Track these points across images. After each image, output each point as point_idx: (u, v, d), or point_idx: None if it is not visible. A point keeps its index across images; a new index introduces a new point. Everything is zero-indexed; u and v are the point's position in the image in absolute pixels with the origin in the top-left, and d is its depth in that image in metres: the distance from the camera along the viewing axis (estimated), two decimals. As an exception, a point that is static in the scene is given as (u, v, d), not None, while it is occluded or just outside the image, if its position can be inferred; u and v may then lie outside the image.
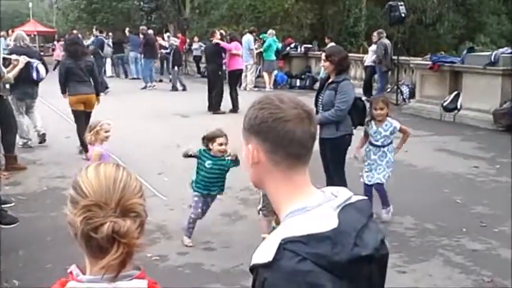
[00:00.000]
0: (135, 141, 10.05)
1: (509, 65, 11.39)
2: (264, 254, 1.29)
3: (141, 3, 32.50)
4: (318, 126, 5.98)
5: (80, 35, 18.30)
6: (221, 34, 16.01)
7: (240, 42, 15.53)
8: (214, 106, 13.83)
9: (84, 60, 9.06)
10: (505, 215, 6.30)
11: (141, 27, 22.72)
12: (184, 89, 18.45)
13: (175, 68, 18.58)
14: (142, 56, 20.19)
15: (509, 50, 12.12)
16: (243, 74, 17.06)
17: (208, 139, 5.46)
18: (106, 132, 5.95)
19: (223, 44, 14.04)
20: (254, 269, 1.32)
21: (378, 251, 1.36)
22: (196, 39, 23.83)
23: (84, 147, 7.98)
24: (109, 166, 1.45)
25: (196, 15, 29.04)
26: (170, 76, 19.52)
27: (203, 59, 20.33)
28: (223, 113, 13.55)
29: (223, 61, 14.39)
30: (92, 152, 5.86)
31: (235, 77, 14.18)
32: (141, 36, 20.77)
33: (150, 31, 22.48)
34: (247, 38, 18.00)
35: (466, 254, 5.32)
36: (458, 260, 5.20)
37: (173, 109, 14.21)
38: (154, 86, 19.28)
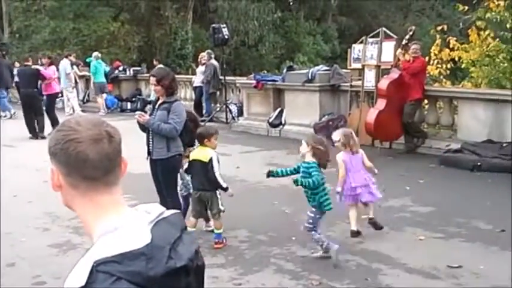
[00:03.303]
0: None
1: (325, 81, 12.28)
2: (76, 279, 1.26)
3: (-49, 27, 29.96)
4: (150, 148, 6.04)
5: None
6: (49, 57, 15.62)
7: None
8: (40, 131, 13.61)
9: None
10: (329, 221, 6.75)
11: None
12: None
13: None
14: None
15: (324, 68, 13.06)
16: (65, 99, 17.24)
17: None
18: None
19: (42, 71, 13.76)
20: None
21: (192, 261, 1.39)
22: (17, 64, 22.52)
23: None
24: None
25: (16, 40, 27.48)
26: None
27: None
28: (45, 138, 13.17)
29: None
30: None
31: (52, 101, 14.19)
32: None
33: None
34: (64, 63, 17.53)
35: (295, 260, 5.63)
36: (289, 267, 5.49)
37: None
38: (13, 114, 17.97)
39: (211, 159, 5.96)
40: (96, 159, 1.37)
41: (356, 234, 6.22)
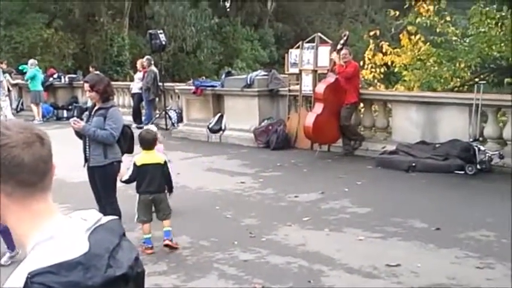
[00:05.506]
0: None
1: (263, 86, 12.36)
2: None
3: None
4: (87, 155, 5.93)
5: None
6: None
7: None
8: None
9: None
10: (271, 225, 6.83)
11: None
12: None
13: None
14: None
15: (262, 73, 13.15)
16: None
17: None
18: None
19: None
20: None
21: (132, 269, 1.36)
22: None
23: None
24: None
25: None
26: None
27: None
28: None
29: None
30: None
31: None
32: None
33: None
34: None
35: (238, 265, 5.63)
36: (232, 271, 5.49)
37: None
38: None
39: (165, 161, 6.19)
40: (31, 163, 1.32)
41: None
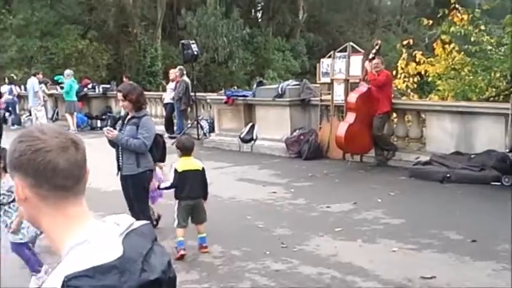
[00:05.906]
0: None
1: (295, 96, 12.35)
2: None
3: None
4: (120, 164, 6.00)
5: None
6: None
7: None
8: None
9: None
10: (302, 235, 6.79)
11: None
12: None
13: None
14: None
15: (294, 82, 13.13)
16: (33, 118, 17.02)
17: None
18: None
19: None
20: None
21: (165, 273, 1.37)
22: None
23: None
24: None
25: (-19, 59, 27.12)
26: None
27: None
28: None
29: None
30: None
31: None
32: None
33: None
34: (31, 81, 17.38)
35: (270, 275, 5.61)
36: (264, 281, 5.47)
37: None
38: None
39: (203, 168, 6.33)
40: (66, 168, 1.34)
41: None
